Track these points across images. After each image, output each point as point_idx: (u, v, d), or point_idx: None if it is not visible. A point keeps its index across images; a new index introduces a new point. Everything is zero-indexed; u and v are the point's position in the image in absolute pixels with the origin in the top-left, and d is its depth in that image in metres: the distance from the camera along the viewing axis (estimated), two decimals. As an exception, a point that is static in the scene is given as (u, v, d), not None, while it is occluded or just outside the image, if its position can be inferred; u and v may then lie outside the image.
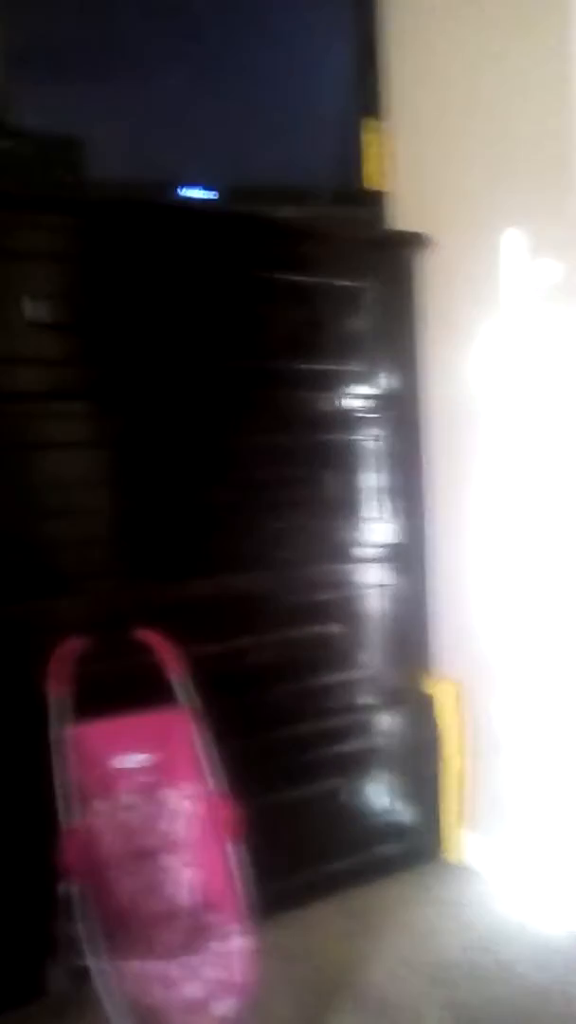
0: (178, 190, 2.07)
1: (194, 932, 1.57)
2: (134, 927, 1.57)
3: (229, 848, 1.61)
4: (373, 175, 2.25)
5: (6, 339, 1.75)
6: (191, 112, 2.11)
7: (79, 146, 1.89)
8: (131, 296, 1.88)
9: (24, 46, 1.95)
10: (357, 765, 2.19)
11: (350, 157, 2.23)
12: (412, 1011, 1.72)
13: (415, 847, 2.27)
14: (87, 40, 2.03)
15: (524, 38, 1.93)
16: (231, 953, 1.51)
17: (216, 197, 2.09)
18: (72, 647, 1.70)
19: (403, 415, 2.24)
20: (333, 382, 2.13)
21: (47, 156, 1.85)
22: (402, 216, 2.26)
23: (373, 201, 2.25)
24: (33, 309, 1.75)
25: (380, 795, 2.24)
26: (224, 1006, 1.43)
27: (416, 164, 2.24)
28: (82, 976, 1.45)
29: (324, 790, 2.13)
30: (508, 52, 1.97)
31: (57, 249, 1.81)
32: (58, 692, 1.64)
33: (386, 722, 2.23)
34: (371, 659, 2.21)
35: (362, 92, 2.25)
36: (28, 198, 1.77)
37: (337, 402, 2.14)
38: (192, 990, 1.45)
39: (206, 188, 2.09)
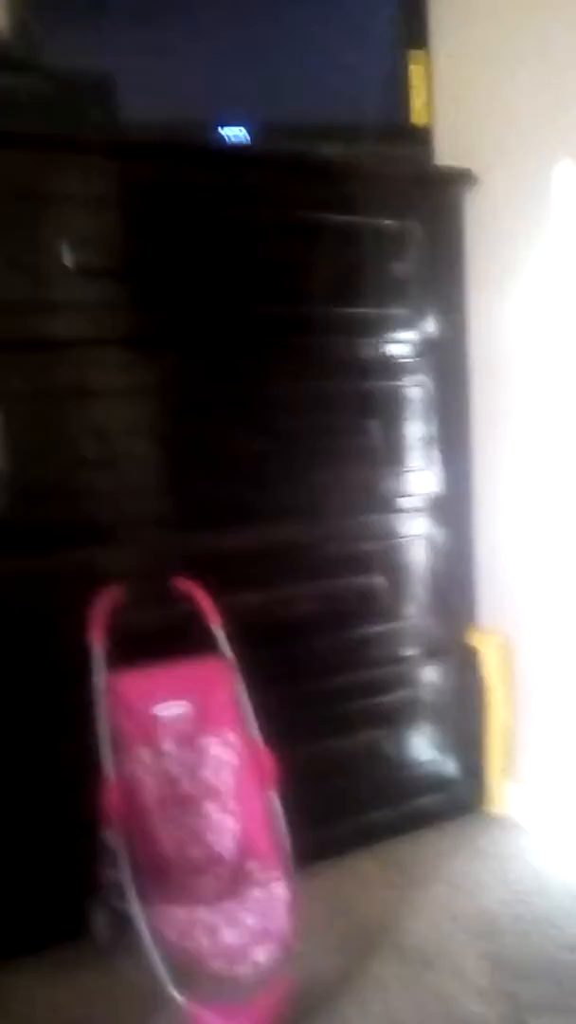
0: (216, 127, 2.00)
1: (235, 880, 1.58)
2: (175, 874, 1.58)
3: (269, 797, 1.61)
4: (418, 108, 2.16)
5: (42, 285, 1.72)
6: (228, 46, 2.03)
7: (112, 84, 1.82)
8: (169, 240, 1.84)
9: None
10: (399, 716, 2.17)
11: (394, 89, 2.14)
12: (453, 962, 1.72)
13: (457, 799, 2.26)
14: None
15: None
16: (272, 901, 1.51)
17: (255, 134, 2.02)
18: (112, 596, 1.70)
19: (448, 361, 2.18)
20: (377, 327, 2.07)
21: (80, 95, 1.80)
22: (448, 150, 2.17)
23: (419, 136, 2.16)
24: (70, 254, 1.72)
25: (423, 746, 2.22)
26: (264, 953, 1.44)
27: (463, 95, 2.14)
28: (124, 920, 1.47)
29: (366, 741, 2.11)
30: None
31: (93, 192, 1.77)
32: (99, 641, 1.64)
33: (429, 673, 2.21)
34: (414, 610, 2.18)
35: (407, 21, 2.15)
36: (61, 139, 1.73)
37: (381, 348, 2.08)
38: (232, 937, 1.45)
39: (245, 125, 2.02)
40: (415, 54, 2.15)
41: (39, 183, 1.71)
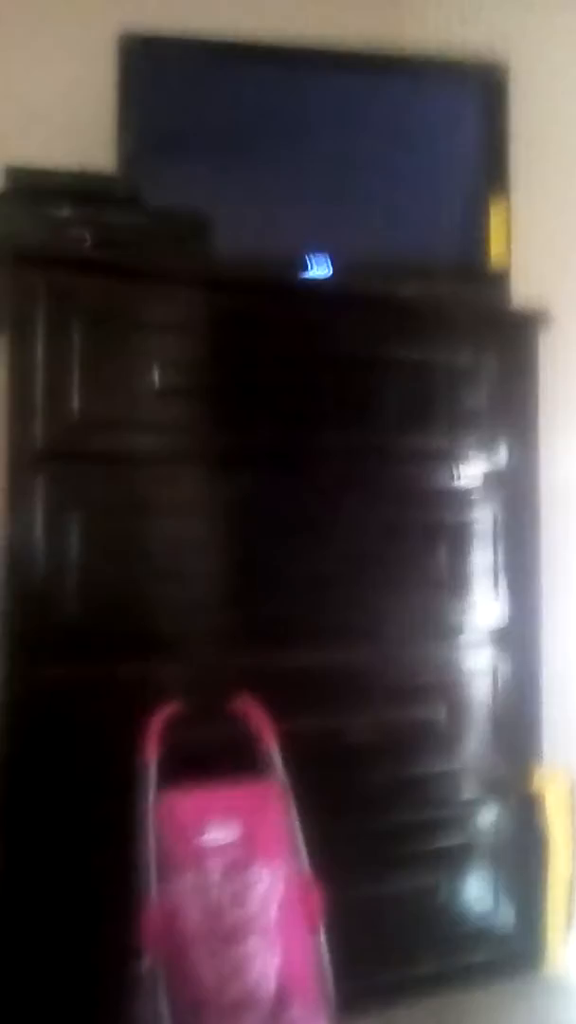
0: (303, 265, 2.12)
1: (274, 1022, 1.50)
2: (212, 1011, 1.51)
3: (315, 936, 1.54)
4: (497, 251, 2.23)
5: (130, 404, 1.81)
6: (318, 190, 2.17)
7: (208, 223, 1.94)
8: (251, 366, 1.92)
9: (159, 126, 2.07)
10: (455, 861, 2.08)
11: (474, 233, 2.23)
12: None
13: (513, 955, 2.12)
14: (219, 122, 2.13)
15: None
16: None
17: (339, 272, 2.12)
18: (168, 711, 1.68)
19: (519, 494, 2.18)
20: (447, 458, 2.10)
21: (177, 232, 1.91)
22: (525, 293, 2.23)
23: (495, 278, 2.23)
24: (158, 376, 1.81)
25: (478, 896, 2.11)
26: None
27: (542, 242, 2.22)
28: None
29: (418, 885, 2.02)
30: None
31: (182, 320, 1.87)
32: (151, 757, 1.62)
33: (488, 817, 2.12)
34: (475, 748, 2.11)
35: (489, 169, 2.25)
36: (156, 271, 1.85)
37: (451, 479, 2.10)
38: None
39: (330, 263, 2.12)
40: (496, 198, 2.24)
41: (134, 311, 1.82)
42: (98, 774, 1.71)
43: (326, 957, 1.53)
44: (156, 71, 2.08)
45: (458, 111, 2.25)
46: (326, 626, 1.96)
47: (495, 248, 2.22)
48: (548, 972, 2.13)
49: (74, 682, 1.73)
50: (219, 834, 1.64)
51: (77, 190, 1.85)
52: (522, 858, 2.14)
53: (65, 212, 1.82)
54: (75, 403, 1.75)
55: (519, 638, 2.17)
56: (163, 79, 2.09)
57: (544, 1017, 1.97)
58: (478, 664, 2.13)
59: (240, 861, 1.65)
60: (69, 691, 1.72)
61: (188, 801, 1.64)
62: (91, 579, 1.75)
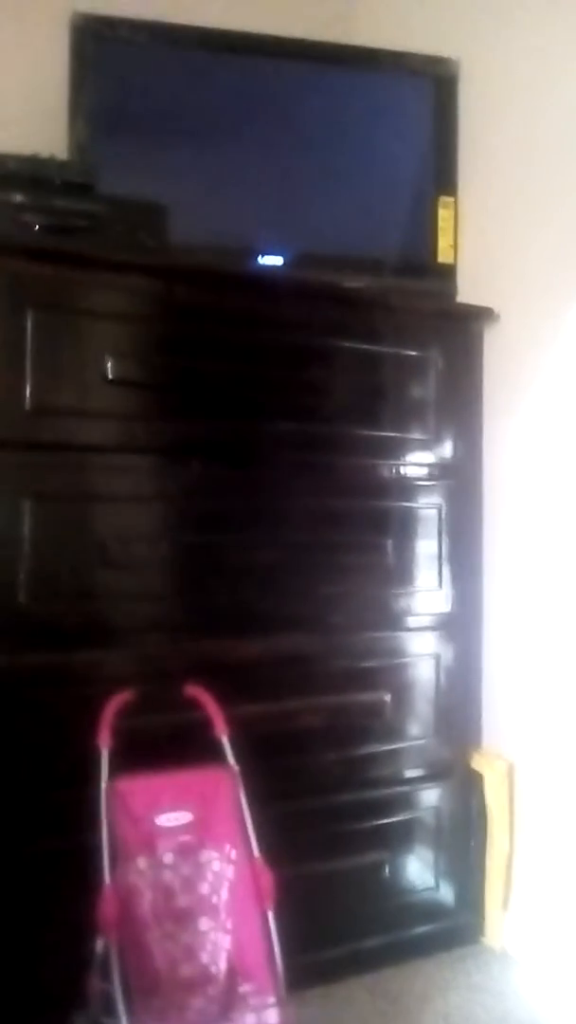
0: (255, 257, 2.14)
1: (226, 1001, 1.54)
2: (166, 991, 1.55)
3: (266, 917, 1.58)
4: (444, 248, 2.28)
5: (81, 393, 1.81)
6: (270, 183, 2.18)
7: (161, 211, 1.94)
8: (201, 357, 1.93)
9: (112, 113, 2.05)
10: (399, 839, 2.14)
11: (422, 231, 2.27)
12: None
13: (455, 929, 2.20)
14: (174, 111, 2.13)
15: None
16: (262, 1026, 1.47)
17: (290, 265, 2.14)
18: (121, 700, 1.70)
19: (463, 485, 2.24)
20: (394, 450, 2.15)
21: (130, 220, 1.91)
22: (471, 289, 2.28)
23: (442, 274, 2.27)
24: (110, 366, 1.82)
25: (421, 872, 2.18)
26: None
27: (487, 239, 2.27)
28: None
29: (364, 863, 2.08)
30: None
31: (135, 310, 1.88)
32: (106, 744, 1.64)
33: (432, 797, 2.19)
34: (419, 730, 2.18)
35: (438, 165, 2.28)
36: (110, 261, 1.85)
37: (397, 470, 2.15)
38: (221, 1064, 1.42)
39: (281, 256, 2.14)
40: (444, 198, 2.28)
41: (87, 299, 1.82)
42: (52, 761, 1.73)
43: (276, 936, 1.57)
44: (109, 54, 2.06)
45: (409, 106, 2.28)
46: (275, 614, 2.00)
47: (442, 244, 2.27)
48: (487, 944, 2.21)
49: (26, 670, 1.74)
50: (171, 819, 1.68)
51: (28, 175, 1.82)
52: (463, 836, 2.21)
53: (16, 198, 1.81)
54: (27, 391, 1.76)
55: (461, 625, 2.24)
56: (117, 63, 2.07)
57: (482, 988, 2.05)
58: (422, 650, 2.19)
59: (192, 845, 1.69)
60: (22, 679, 1.74)
61: (141, 787, 1.66)
62: (43, 568, 1.77)
